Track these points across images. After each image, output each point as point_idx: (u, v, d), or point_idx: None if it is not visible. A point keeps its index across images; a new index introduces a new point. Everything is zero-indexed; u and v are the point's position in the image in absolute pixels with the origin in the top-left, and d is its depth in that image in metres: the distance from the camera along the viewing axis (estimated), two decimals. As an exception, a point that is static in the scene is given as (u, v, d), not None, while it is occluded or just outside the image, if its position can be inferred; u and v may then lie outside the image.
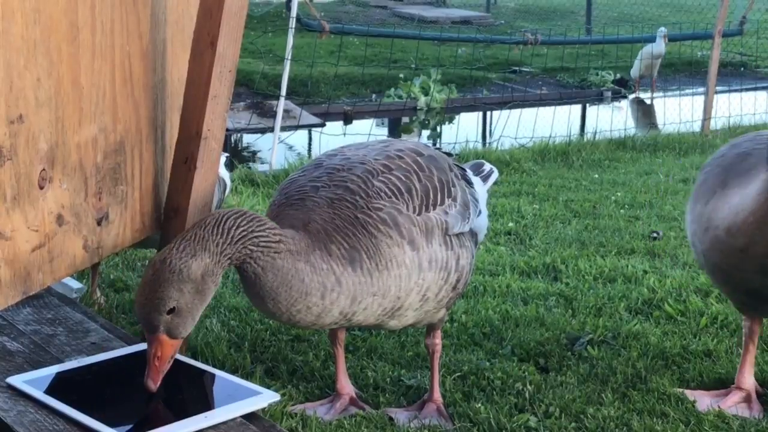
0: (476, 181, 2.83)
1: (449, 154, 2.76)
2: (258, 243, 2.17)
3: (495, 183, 3.09)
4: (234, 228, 2.15)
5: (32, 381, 2.20)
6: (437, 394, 2.67)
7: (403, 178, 2.42)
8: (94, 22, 2.23)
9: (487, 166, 3.01)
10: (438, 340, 2.69)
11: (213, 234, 2.13)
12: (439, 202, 2.47)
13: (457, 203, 2.54)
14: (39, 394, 2.14)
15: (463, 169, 2.77)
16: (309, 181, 2.44)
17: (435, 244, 2.43)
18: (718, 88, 9.54)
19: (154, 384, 2.10)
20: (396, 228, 2.34)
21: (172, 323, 2.11)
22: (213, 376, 2.31)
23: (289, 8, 7.49)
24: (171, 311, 2.09)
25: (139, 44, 2.48)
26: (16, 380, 2.20)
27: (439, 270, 2.44)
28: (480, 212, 2.70)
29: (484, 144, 9.19)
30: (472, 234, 2.64)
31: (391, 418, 2.61)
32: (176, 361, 2.41)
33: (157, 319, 2.09)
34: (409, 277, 2.37)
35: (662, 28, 12.94)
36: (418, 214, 2.40)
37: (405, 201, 2.39)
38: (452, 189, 2.54)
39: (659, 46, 12.99)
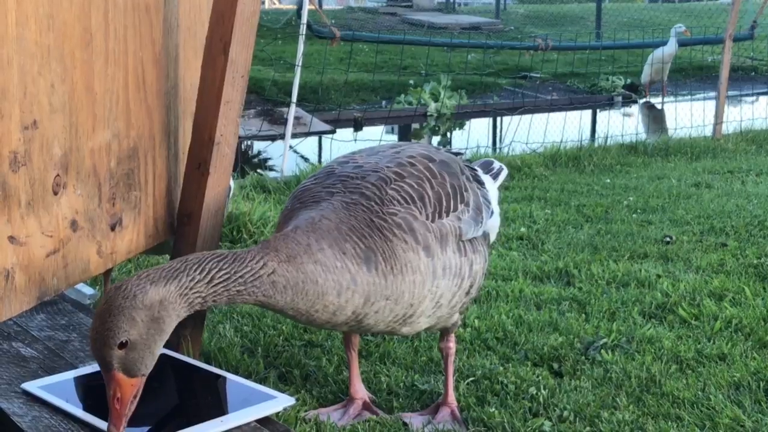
0: (487, 179, 2.82)
1: (457, 154, 2.75)
2: (246, 280, 2.07)
3: (505, 180, 3.08)
4: (216, 270, 2.03)
5: (47, 387, 2.21)
6: (451, 398, 2.66)
7: (415, 185, 2.40)
8: (107, 28, 2.24)
9: (497, 164, 3.00)
10: (452, 343, 2.68)
11: (191, 270, 1.99)
12: (452, 209, 2.45)
13: (470, 208, 2.52)
14: (54, 400, 2.14)
15: (474, 170, 2.76)
16: (323, 188, 2.41)
17: (449, 251, 2.41)
18: (730, 93, 9.52)
19: (117, 430, 1.89)
20: (411, 233, 2.32)
21: (127, 359, 1.89)
22: (227, 380, 2.32)
23: (299, 15, 7.52)
24: (123, 345, 1.88)
25: (152, 50, 2.48)
26: (31, 386, 2.21)
27: (453, 277, 2.43)
28: (492, 212, 2.69)
29: (494, 150, 9.19)
30: (485, 235, 2.63)
31: (405, 423, 2.60)
32: (190, 365, 2.41)
33: (109, 354, 1.87)
34: (423, 284, 2.35)
35: (680, 25, 12.92)
36: (432, 221, 2.38)
37: (418, 208, 2.37)
38: (465, 194, 2.52)
39: (671, 47, 12.97)
